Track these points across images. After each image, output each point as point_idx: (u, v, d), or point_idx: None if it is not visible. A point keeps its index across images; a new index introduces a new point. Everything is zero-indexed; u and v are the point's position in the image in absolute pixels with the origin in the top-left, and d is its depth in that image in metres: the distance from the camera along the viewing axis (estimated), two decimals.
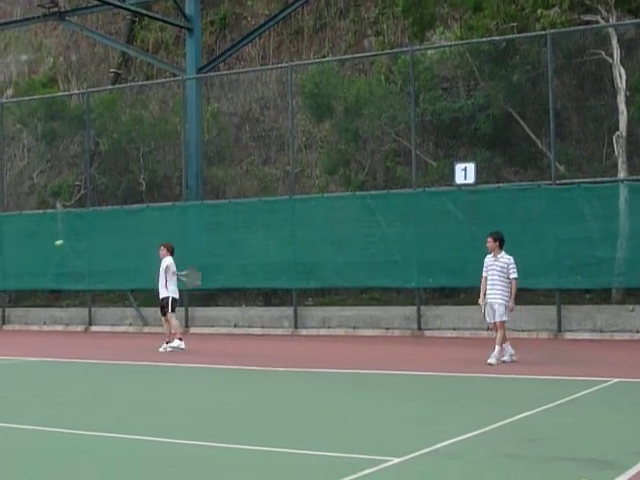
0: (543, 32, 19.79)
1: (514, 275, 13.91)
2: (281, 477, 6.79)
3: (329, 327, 21.40)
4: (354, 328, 21.04)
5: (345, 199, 21.80)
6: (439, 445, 7.67)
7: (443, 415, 9.52)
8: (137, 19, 30.15)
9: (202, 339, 20.72)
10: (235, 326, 22.30)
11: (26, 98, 27.97)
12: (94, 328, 24.00)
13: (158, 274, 17.48)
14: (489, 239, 14.26)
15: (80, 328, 24.10)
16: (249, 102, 27.32)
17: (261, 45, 28.26)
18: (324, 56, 26.67)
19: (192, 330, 22.63)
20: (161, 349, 16.91)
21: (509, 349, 14.28)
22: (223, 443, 8.04)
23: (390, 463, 7.03)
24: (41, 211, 26.18)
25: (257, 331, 21.87)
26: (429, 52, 23.26)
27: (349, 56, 25.72)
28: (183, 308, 23.10)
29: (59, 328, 24.35)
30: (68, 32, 31.58)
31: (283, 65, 24.79)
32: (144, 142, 26.26)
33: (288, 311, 21.84)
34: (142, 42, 30.12)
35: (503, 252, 14.09)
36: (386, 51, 24.82)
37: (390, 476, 6.74)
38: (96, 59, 31.39)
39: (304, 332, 21.39)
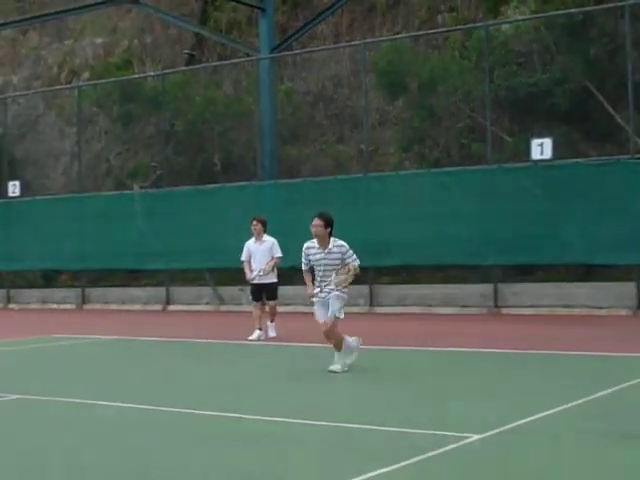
0: (621, 3, 19.41)
1: None
2: (366, 453, 6.81)
3: (404, 305, 21.36)
4: (430, 306, 20.96)
5: (420, 176, 21.66)
6: (521, 422, 7.64)
7: (525, 392, 9.47)
8: (210, 0, 30.27)
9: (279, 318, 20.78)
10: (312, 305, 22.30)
11: (102, 81, 28.31)
12: (171, 307, 24.30)
13: (247, 253, 15.67)
14: None
15: (158, 307, 24.41)
16: (322, 80, 27.31)
17: (334, 23, 28.20)
18: (397, 33, 26.51)
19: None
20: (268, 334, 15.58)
21: None
22: (290, 419, 8.11)
23: (472, 439, 7.02)
24: (118, 192, 26.54)
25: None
26: (503, 27, 22.95)
27: (423, 32, 25.52)
28: None
29: (137, 307, 24.68)
30: (142, 15, 31.83)
31: (356, 43, 24.67)
32: (218, 122, 26.39)
33: (363, 289, 21.81)
34: (215, 23, 30.26)
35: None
36: (460, 27, 24.54)
37: (473, 452, 6.74)
38: (170, 41, 31.64)
39: (379, 310, 21.38)
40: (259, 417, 8.22)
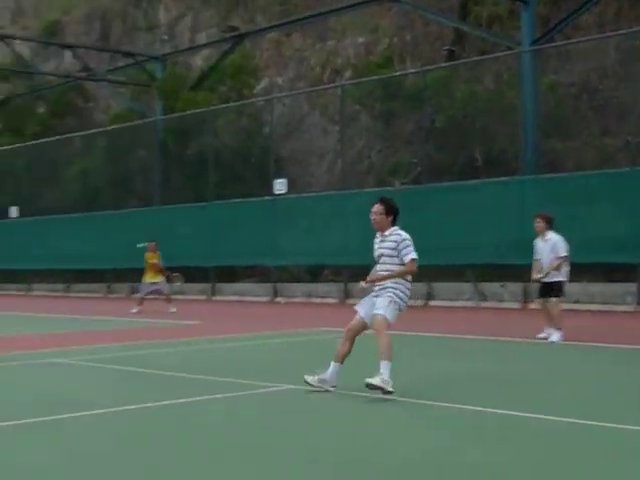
0: None
1: None
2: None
3: None
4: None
5: None
6: None
7: None
8: None
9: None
10: (576, 302, 21.84)
11: (364, 79, 28.81)
12: (432, 303, 24.39)
13: (535, 251, 15.16)
14: None
15: (419, 303, 24.57)
16: (587, 72, 26.56)
17: (598, 13, 27.37)
18: None
19: (531, 305, 22.42)
20: (553, 337, 14.54)
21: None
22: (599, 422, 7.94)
23: None
24: (379, 189, 26.89)
25: (597, 307, 21.30)
26: None
27: None
28: (521, 283, 23.01)
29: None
30: (402, 12, 32.14)
31: (623, 32, 23.82)
32: (480, 117, 26.25)
33: (631, 287, 21.08)
34: (476, 17, 30.09)
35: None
36: None
37: None
38: (430, 37, 31.76)
39: None
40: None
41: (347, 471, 6.27)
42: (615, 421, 7.67)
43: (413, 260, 9.53)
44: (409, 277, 9.64)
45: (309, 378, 9.53)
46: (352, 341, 9.51)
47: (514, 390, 9.80)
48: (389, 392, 8.94)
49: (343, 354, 9.50)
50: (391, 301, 9.35)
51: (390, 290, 9.41)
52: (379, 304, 9.35)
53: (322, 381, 9.48)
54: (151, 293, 24.07)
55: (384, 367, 9.05)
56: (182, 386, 10.32)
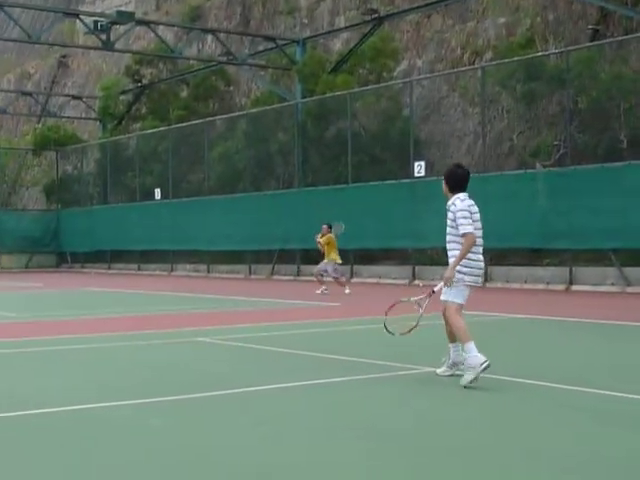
0: None
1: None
2: None
3: None
4: None
5: None
6: None
7: None
8: None
9: None
10: None
11: (505, 60, 28.42)
12: (575, 287, 24.01)
13: None
14: None
15: (561, 287, 24.22)
16: None
17: None
18: None
19: None
20: None
21: None
22: None
23: None
24: (521, 171, 26.59)
25: None
26: None
27: None
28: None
29: (540, 287, 24.64)
30: None
31: None
32: (624, 98, 25.61)
33: None
34: None
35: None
36: None
37: None
38: (574, 17, 31.11)
39: None
40: None
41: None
42: None
43: (464, 235, 8.97)
44: (477, 247, 9.11)
45: (440, 370, 9.40)
46: (449, 324, 9.28)
47: None
48: (485, 366, 8.66)
49: (449, 335, 9.38)
50: (446, 282, 9.07)
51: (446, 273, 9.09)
52: (442, 288, 9.16)
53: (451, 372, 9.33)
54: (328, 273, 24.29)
55: (468, 349, 8.81)
56: (323, 367, 10.47)
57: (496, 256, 27.08)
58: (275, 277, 33.07)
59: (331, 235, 24.22)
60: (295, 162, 33.84)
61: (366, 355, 11.26)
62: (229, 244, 34.68)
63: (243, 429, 7.20)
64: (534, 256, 26.34)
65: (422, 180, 27.84)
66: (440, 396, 8.62)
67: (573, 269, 24.38)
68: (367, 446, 6.60)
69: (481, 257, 9.16)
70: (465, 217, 8.99)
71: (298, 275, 32.22)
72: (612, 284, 23.46)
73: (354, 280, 29.83)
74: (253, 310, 19.17)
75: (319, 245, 24.28)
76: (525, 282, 25.28)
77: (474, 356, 8.75)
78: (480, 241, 9.15)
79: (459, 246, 9.04)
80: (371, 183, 29.47)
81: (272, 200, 33.08)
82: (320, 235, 24.23)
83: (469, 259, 9.04)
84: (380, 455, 6.33)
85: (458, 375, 9.12)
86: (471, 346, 8.82)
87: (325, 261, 24.07)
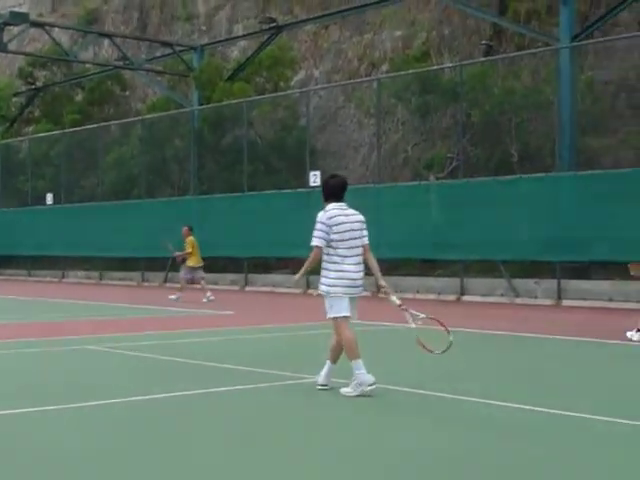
0: None
1: None
2: None
3: None
4: None
5: None
6: None
7: None
8: None
9: (575, 312, 20.48)
10: (610, 300, 21.79)
11: (401, 73, 28.77)
12: (465, 298, 24.38)
13: None
14: None
15: (452, 297, 24.57)
16: (625, 70, 26.41)
17: (638, 10, 27.17)
18: None
19: (564, 303, 22.41)
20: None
21: None
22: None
23: None
24: (415, 182, 26.92)
25: (634, 306, 21.20)
26: None
27: None
28: (555, 280, 22.98)
29: (431, 297, 24.96)
30: (440, 6, 32.09)
31: None
32: (516, 113, 26.16)
33: None
34: (514, 13, 29.96)
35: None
36: None
37: None
38: (468, 32, 31.68)
39: None
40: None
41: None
42: None
43: (312, 247, 9.05)
44: (343, 258, 8.99)
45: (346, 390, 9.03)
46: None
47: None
48: (372, 388, 8.73)
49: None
50: (325, 297, 9.11)
51: (321, 285, 9.14)
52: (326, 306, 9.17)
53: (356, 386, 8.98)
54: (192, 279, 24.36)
55: (356, 366, 8.84)
56: (213, 376, 10.43)
57: (389, 266, 27.34)
58: (168, 285, 32.71)
59: (192, 238, 24.18)
60: (190, 169, 33.65)
61: (257, 364, 11.24)
62: (122, 251, 34.24)
63: (130, 437, 7.12)
64: (426, 266, 26.68)
65: (317, 190, 27.88)
66: (327, 405, 8.66)
67: (464, 280, 24.77)
68: (253, 452, 6.59)
69: (353, 267, 9.01)
70: (319, 229, 8.98)
71: (192, 283, 31.95)
72: (501, 295, 23.92)
73: (248, 289, 29.77)
74: (145, 318, 18.97)
75: (178, 257, 24.31)
76: (417, 292, 25.56)
77: (363, 374, 8.80)
78: (353, 252, 9.05)
79: (326, 257, 9.06)
80: (267, 192, 29.47)
81: (166, 207, 32.78)
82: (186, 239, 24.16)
83: (340, 270, 8.97)
84: (267, 462, 6.32)
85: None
86: (359, 364, 8.85)
87: (184, 265, 24.12)
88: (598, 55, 27.15)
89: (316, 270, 9.48)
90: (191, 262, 24.20)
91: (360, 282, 9.11)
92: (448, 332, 8.90)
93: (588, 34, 25.23)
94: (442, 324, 8.97)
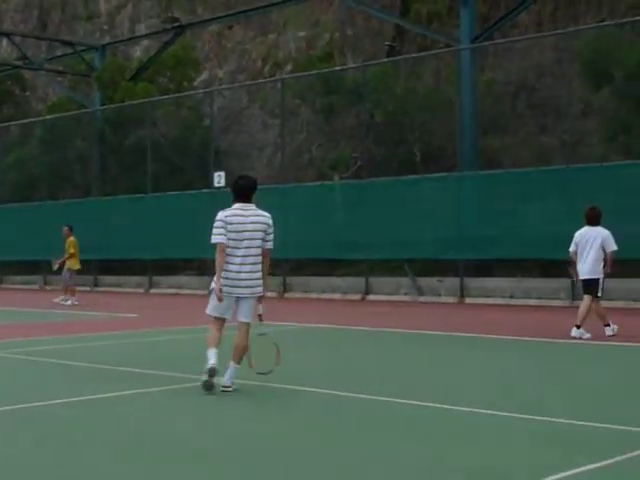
0: None
1: None
2: (568, 448, 6.74)
3: (610, 299, 20.78)
4: (635, 300, 20.36)
5: (625, 168, 21.04)
6: None
7: None
8: None
9: (477, 309, 20.77)
10: (511, 297, 22.17)
11: (304, 73, 28.83)
12: (370, 297, 24.53)
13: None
14: None
15: (357, 297, 24.70)
16: (524, 70, 26.91)
17: (536, 12, 27.73)
18: (602, 20, 25.80)
19: (467, 300, 22.72)
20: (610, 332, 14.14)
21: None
22: (514, 414, 8.07)
23: None
24: (319, 183, 26.99)
25: (533, 302, 21.62)
26: None
27: (630, 19, 24.66)
28: (458, 278, 23.29)
29: (337, 296, 25.06)
30: (344, 7, 32.24)
31: (560, 32, 24.21)
32: (418, 113, 26.44)
33: (565, 282, 21.41)
34: (416, 14, 30.29)
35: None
36: None
37: None
38: (371, 33, 31.90)
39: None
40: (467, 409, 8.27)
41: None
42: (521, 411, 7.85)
43: (214, 245, 9.19)
44: (231, 257, 9.14)
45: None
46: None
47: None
48: (204, 378, 9.00)
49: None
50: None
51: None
52: None
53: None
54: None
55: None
56: (113, 379, 10.29)
57: (295, 266, 27.41)
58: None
59: (73, 239, 23.83)
60: (94, 170, 33.19)
61: (154, 367, 11.15)
62: (23, 254, 33.57)
63: (24, 446, 6.97)
64: (332, 266, 26.78)
65: (222, 190, 27.81)
66: (225, 406, 8.63)
67: (369, 279, 24.93)
68: (153, 456, 6.52)
69: (237, 267, 9.10)
70: (216, 227, 9.10)
71: (96, 286, 31.59)
72: (406, 294, 24.14)
73: (153, 291, 29.49)
74: (47, 322, 18.63)
75: (56, 265, 23.92)
76: (323, 292, 25.66)
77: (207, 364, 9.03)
78: (241, 252, 9.12)
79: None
80: (171, 193, 29.23)
81: (69, 209, 32.24)
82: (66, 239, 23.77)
83: (226, 270, 9.10)
84: (155, 464, 6.27)
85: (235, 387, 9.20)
86: (209, 352, 9.10)
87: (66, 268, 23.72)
88: (498, 56, 27.61)
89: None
90: (72, 264, 23.69)
91: (246, 283, 9.15)
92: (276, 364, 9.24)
93: (488, 35, 25.63)
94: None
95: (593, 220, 14.37)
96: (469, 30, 25.04)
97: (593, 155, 23.87)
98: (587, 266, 14.19)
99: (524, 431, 7.32)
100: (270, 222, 9.38)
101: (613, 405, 8.50)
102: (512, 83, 27.08)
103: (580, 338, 13.81)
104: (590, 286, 14.21)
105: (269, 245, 9.34)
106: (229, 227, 9.10)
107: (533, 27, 27.60)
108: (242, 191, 9.36)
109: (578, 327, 13.96)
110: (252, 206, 9.35)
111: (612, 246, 14.14)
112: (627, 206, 20.04)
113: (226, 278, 9.08)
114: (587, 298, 14.20)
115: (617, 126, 22.91)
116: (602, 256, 14.14)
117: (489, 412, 8.07)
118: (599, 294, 14.18)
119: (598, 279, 14.16)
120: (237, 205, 9.27)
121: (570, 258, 14.56)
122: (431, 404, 8.51)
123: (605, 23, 24.71)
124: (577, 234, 14.46)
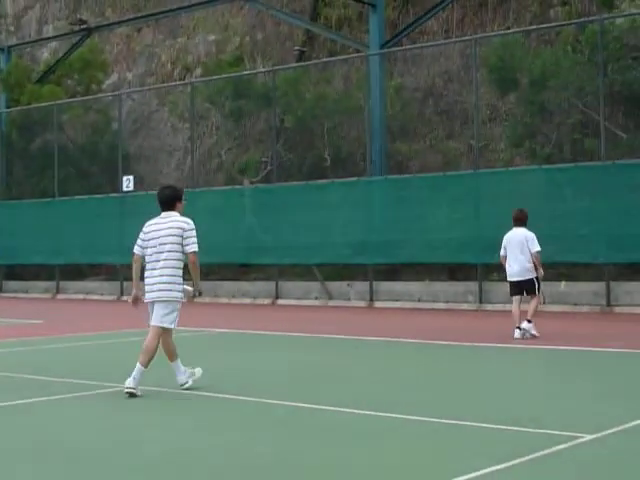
0: None
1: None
2: (473, 450, 6.81)
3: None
4: (542, 304, 20.69)
5: (531, 173, 21.43)
6: (635, 423, 7.52)
7: (636, 392, 9.33)
8: None
9: (386, 313, 20.90)
10: (419, 300, 22.38)
11: (214, 77, 28.68)
12: (280, 301, 24.52)
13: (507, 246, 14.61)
14: None
15: (267, 301, 24.66)
16: (432, 76, 27.21)
17: (444, 18, 28.04)
18: (508, 28, 26.21)
19: (376, 304, 22.85)
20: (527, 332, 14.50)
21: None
22: (406, 415, 8.13)
23: (583, 440, 6.95)
24: (229, 187, 26.90)
25: (441, 306, 21.85)
26: (618, 20, 22.50)
27: (535, 27, 25.15)
28: (367, 282, 23.41)
29: (247, 301, 24.99)
30: (253, 12, 32.19)
31: (467, 38, 24.54)
32: (328, 118, 26.51)
33: (473, 286, 21.72)
34: (326, 19, 30.37)
35: None
36: (574, 21, 24.12)
37: (584, 452, 6.68)
38: (281, 37, 31.90)
39: (489, 307, 21.21)
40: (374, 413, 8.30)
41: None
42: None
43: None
44: (147, 264, 9.69)
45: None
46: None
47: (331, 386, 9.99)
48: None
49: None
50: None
51: None
52: None
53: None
54: None
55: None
56: (21, 387, 10.10)
57: (204, 271, 27.16)
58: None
59: None
60: None
61: (67, 374, 10.98)
62: None
63: None
64: (241, 271, 26.70)
65: (130, 195, 27.56)
66: (137, 412, 8.53)
67: (279, 283, 24.91)
68: (64, 465, 6.41)
69: (149, 273, 9.53)
70: (138, 238, 9.59)
71: (0, 291, 30.99)
72: (316, 298, 24.19)
73: (60, 296, 29.03)
74: None
75: None
76: (233, 297, 25.56)
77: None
78: (153, 257, 9.51)
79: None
80: (78, 197, 28.83)
81: None
82: None
83: (145, 277, 9.58)
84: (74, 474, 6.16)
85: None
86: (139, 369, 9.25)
87: None
88: (407, 62, 27.85)
89: (130, 276, 9.83)
90: None
91: (157, 287, 9.46)
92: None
93: (397, 41, 25.84)
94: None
95: (518, 221, 14.62)
96: (378, 36, 25.21)
97: (499, 160, 24.27)
98: (516, 268, 14.43)
99: (427, 433, 7.38)
100: (186, 226, 9.57)
101: (518, 407, 8.62)
102: (420, 89, 27.35)
103: (525, 332, 14.23)
104: (523, 287, 14.45)
105: (189, 249, 9.55)
106: (145, 236, 9.55)
107: (441, 34, 27.91)
108: (164, 200, 9.74)
109: (529, 321, 14.33)
110: (173, 214, 9.64)
111: (535, 247, 14.41)
112: (533, 210, 20.33)
113: (145, 285, 9.54)
114: (516, 300, 14.48)
115: (523, 131, 23.29)
116: (530, 257, 14.40)
117: (387, 415, 8.12)
118: (537, 293, 14.43)
119: (532, 279, 14.41)
120: (161, 215, 9.66)
121: (501, 263, 14.81)
122: (303, 404, 8.55)
123: (511, 30, 25.09)
124: (505, 237, 14.74)
